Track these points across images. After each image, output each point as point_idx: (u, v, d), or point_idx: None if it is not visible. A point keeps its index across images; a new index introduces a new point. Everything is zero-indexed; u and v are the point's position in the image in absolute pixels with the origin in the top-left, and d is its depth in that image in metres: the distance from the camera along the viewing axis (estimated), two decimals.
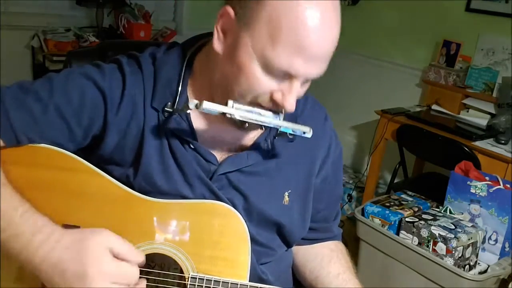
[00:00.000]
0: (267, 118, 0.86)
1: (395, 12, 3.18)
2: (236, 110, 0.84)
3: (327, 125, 1.06)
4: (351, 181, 3.26)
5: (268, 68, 0.80)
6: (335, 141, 1.07)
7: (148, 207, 0.89)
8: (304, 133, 0.89)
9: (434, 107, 2.85)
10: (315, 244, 1.12)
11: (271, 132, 0.96)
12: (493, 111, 2.64)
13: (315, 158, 1.03)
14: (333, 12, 0.79)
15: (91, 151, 0.94)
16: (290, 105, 0.82)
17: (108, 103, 0.90)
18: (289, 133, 0.91)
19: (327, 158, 1.04)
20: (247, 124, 0.87)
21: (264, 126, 0.89)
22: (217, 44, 0.85)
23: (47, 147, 0.89)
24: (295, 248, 1.12)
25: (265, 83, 0.82)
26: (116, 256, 0.79)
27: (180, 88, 0.92)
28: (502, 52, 2.69)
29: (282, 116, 0.88)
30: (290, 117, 0.95)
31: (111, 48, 1.27)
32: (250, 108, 0.85)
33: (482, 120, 2.66)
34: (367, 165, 3.02)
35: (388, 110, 2.77)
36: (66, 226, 0.86)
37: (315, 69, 0.81)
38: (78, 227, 0.87)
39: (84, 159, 0.91)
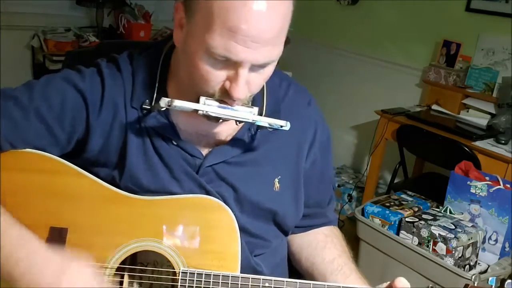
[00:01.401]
0: (241, 113, 0.85)
1: (395, 12, 3.17)
2: (208, 106, 0.84)
3: (311, 110, 1.06)
4: (351, 181, 3.26)
5: (211, 56, 0.79)
6: (322, 125, 1.07)
7: (136, 205, 0.89)
8: (281, 126, 0.89)
9: (434, 107, 2.84)
10: (309, 231, 1.12)
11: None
12: (493, 111, 2.63)
13: (302, 143, 1.03)
14: None
15: (77, 155, 0.94)
16: (236, 92, 0.81)
17: (89, 106, 0.91)
18: (267, 127, 0.90)
19: (314, 142, 1.05)
20: (221, 120, 0.87)
21: (238, 121, 0.89)
22: (176, 40, 0.86)
23: (29, 151, 0.89)
24: (290, 237, 1.12)
25: (213, 73, 0.81)
26: None
27: (157, 85, 0.92)
28: (502, 52, 2.68)
29: (256, 109, 0.87)
30: (273, 103, 0.96)
31: (110, 48, 1.26)
32: (222, 104, 0.84)
33: (482, 120, 2.65)
34: (367, 165, 3.01)
35: (388, 110, 2.76)
36: (53, 229, 0.86)
37: (258, 54, 0.79)
38: (65, 229, 0.87)
39: (70, 163, 0.91)
